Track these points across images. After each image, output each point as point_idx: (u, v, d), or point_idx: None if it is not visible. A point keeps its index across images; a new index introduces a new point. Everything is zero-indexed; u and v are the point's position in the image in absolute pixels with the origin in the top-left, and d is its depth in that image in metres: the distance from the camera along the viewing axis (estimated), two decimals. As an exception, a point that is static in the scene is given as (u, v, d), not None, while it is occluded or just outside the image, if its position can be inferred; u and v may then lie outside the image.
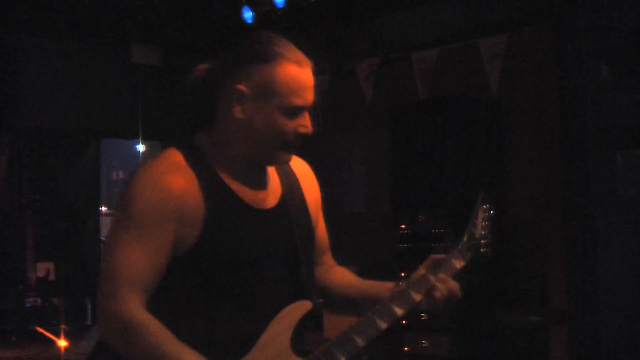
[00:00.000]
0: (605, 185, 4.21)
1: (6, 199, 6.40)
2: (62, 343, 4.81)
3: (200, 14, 5.77)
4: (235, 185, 1.71)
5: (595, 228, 4.17)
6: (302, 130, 1.70)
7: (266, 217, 1.73)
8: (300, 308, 1.71)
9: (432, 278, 1.77)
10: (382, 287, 1.84)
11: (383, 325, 1.71)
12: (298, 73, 1.68)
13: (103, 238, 7.69)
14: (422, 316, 4.63)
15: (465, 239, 1.87)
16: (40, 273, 5.96)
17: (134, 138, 7.02)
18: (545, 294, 4.64)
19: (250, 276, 1.69)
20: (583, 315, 4.18)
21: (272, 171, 1.81)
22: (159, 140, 7.49)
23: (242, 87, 1.67)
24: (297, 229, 1.78)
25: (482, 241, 1.89)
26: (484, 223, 1.90)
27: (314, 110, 1.73)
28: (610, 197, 4.21)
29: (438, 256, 1.82)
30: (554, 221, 4.59)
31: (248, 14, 5.29)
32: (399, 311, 1.73)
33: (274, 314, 1.68)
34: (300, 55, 1.70)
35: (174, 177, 1.64)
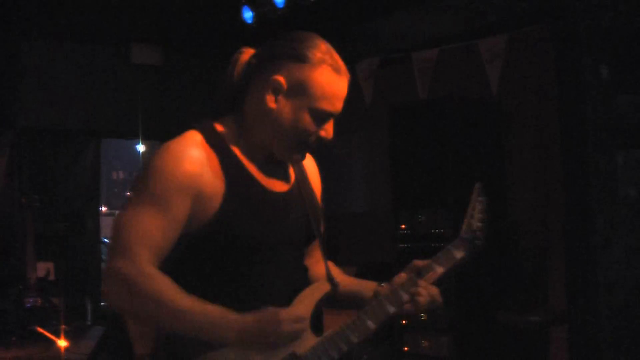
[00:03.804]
0: (605, 185, 4.21)
1: (6, 199, 6.39)
2: (62, 343, 4.81)
3: (200, 14, 5.77)
4: (252, 168, 1.76)
5: (595, 228, 4.17)
6: (323, 134, 1.76)
7: (281, 199, 1.79)
8: (320, 289, 1.77)
9: (418, 281, 1.82)
10: (367, 285, 1.90)
11: (391, 309, 1.78)
12: (335, 81, 1.74)
13: (103, 238, 7.69)
14: (422, 316, 4.62)
15: (464, 229, 1.93)
16: (40, 273, 5.95)
17: (134, 138, 7.02)
18: (545, 294, 4.64)
19: (264, 257, 1.73)
20: (583, 315, 4.18)
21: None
22: (159, 140, 7.49)
23: (280, 78, 1.72)
24: (310, 213, 1.84)
25: (478, 232, 1.94)
26: (480, 215, 1.96)
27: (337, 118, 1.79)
28: (610, 197, 4.21)
29: (420, 262, 1.86)
30: (554, 221, 4.59)
31: (248, 14, 5.29)
32: (391, 309, 1.78)
33: (288, 294, 1.72)
34: (340, 64, 1.76)
35: (195, 154, 1.69)
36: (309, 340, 1.70)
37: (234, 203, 1.69)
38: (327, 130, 1.77)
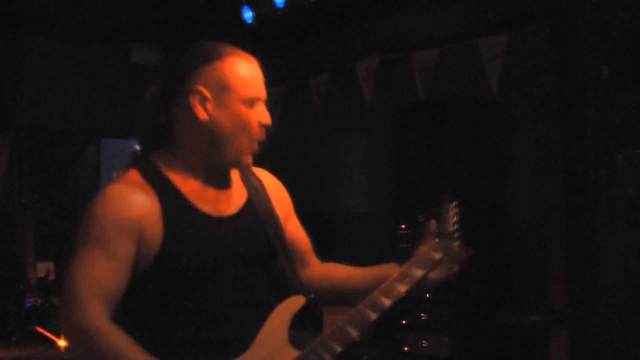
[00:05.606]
0: (605, 185, 4.21)
1: (6, 199, 6.39)
2: (62, 343, 4.81)
3: (200, 14, 5.77)
4: (194, 197, 1.75)
5: (595, 228, 4.17)
6: (262, 120, 1.76)
7: (227, 224, 1.77)
8: (295, 303, 1.76)
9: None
10: (384, 270, 1.90)
11: (372, 316, 1.76)
12: (248, 66, 1.76)
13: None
14: (422, 316, 4.62)
15: (438, 235, 2.00)
16: (40, 273, 5.95)
17: (134, 138, 7.02)
18: (545, 294, 4.64)
19: (217, 283, 1.71)
20: (583, 315, 4.18)
21: (235, 180, 1.85)
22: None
23: (199, 87, 1.72)
24: (269, 228, 1.82)
25: (454, 235, 2.00)
26: (453, 218, 2.04)
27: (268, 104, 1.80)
28: (610, 197, 4.21)
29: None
30: (554, 221, 4.59)
31: (248, 14, 5.28)
32: (372, 315, 1.76)
33: (252, 312, 1.72)
34: (243, 52, 1.79)
35: (133, 195, 1.69)
36: (290, 354, 1.70)
37: (175, 236, 1.69)
38: (264, 116, 1.77)
